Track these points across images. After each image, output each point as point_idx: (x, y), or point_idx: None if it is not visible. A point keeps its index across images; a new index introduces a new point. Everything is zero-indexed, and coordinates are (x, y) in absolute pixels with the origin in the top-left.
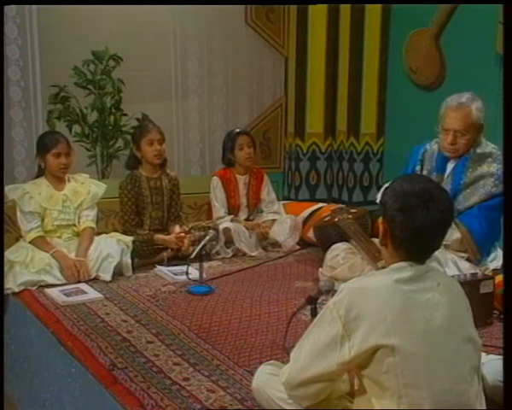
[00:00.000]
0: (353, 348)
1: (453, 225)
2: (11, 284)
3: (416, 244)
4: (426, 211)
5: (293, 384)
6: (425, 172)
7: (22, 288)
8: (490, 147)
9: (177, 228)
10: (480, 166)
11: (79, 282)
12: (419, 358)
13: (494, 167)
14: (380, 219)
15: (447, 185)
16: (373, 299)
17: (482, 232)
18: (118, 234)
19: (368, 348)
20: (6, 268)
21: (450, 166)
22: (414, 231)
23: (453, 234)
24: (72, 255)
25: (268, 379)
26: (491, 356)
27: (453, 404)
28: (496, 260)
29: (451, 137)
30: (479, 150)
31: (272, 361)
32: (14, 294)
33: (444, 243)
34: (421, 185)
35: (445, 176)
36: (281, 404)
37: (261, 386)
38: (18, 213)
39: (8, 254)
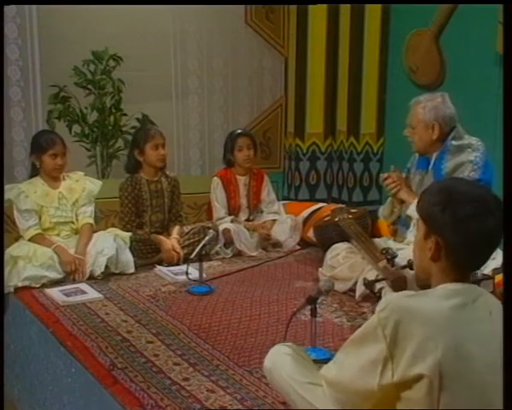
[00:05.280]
0: (397, 372)
1: None
2: (15, 280)
3: (473, 259)
4: (492, 219)
5: (334, 388)
6: (411, 175)
7: (26, 283)
8: (470, 139)
9: (175, 231)
10: (458, 155)
11: (74, 279)
12: (463, 400)
13: (473, 155)
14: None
15: (430, 179)
16: (425, 327)
17: None
18: (115, 229)
19: (413, 376)
20: (9, 266)
21: (431, 162)
22: (478, 240)
23: None
24: (72, 252)
25: (285, 361)
26: None
27: None
28: (495, 259)
29: (406, 130)
30: (456, 142)
31: (287, 343)
32: (15, 292)
33: None
34: (478, 192)
35: (429, 170)
36: (297, 388)
37: (277, 367)
38: (15, 212)
39: (11, 250)
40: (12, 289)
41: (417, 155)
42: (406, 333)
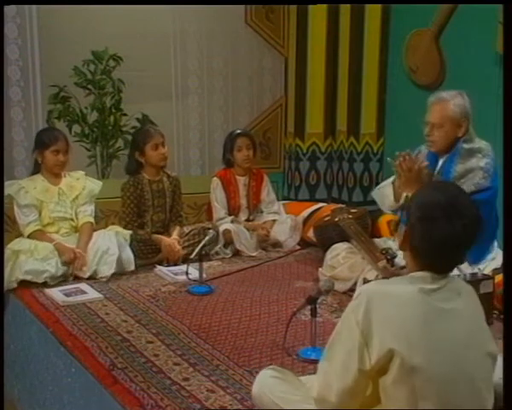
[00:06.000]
0: (372, 354)
1: None
2: (17, 274)
3: (433, 256)
4: (448, 224)
5: (324, 400)
6: None
7: (28, 277)
8: (481, 143)
9: (176, 232)
10: (469, 160)
11: (71, 274)
12: (439, 376)
13: (483, 162)
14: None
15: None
16: (394, 306)
17: None
18: (116, 227)
19: (386, 353)
20: (11, 261)
21: (440, 162)
22: (432, 243)
23: None
24: None
25: (273, 383)
26: None
27: None
28: (496, 259)
29: (427, 129)
30: (468, 145)
31: (272, 366)
32: (15, 291)
33: None
34: (448, 197)
35: (436, 172)
36: (282, 405)
37: (265, 391)
38: (15, 208)
39: (12, 245)
40: (15, 285)
41: (421, 151)
42: (377, 315)
